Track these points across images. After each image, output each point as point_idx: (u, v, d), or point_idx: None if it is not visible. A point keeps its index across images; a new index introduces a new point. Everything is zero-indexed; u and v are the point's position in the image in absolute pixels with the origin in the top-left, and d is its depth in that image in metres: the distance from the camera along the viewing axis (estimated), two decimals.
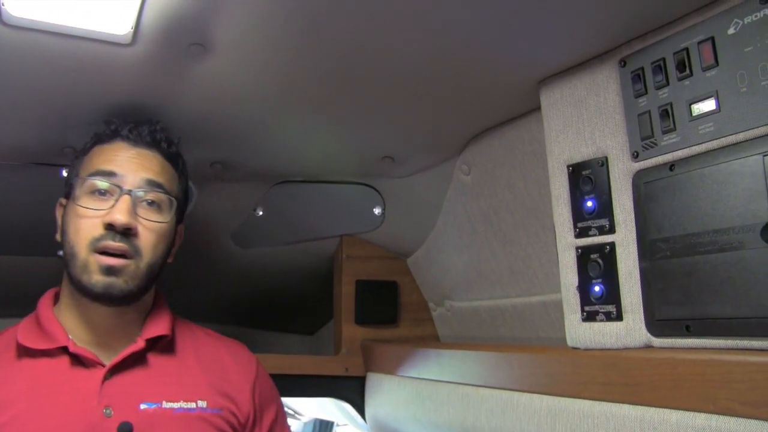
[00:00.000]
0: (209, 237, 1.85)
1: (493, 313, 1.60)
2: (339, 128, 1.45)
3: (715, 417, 0.85)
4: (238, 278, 2.08)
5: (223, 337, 1.48)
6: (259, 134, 1.47)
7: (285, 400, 1.53)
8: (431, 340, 1.94)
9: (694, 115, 0.92)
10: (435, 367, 1.52)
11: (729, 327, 0.87)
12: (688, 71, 0.93)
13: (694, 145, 0.93)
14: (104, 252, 1.21)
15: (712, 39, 0.89)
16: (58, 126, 1.38)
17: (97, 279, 1.21)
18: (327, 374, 1.90)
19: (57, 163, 1.54)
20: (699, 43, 0.91)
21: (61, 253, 1.78)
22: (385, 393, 1.75)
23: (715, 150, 0.90)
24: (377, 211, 1.83)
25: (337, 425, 3.81)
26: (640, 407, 0.96)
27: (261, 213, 1.81)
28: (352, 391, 1.91)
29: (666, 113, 0.96)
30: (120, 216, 1.20)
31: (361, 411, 1.91)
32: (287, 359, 1.84)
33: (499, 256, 1.51)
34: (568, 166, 1.13)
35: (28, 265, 1.82)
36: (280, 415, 1.47)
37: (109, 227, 1.21)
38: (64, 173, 1.54)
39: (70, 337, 1.26)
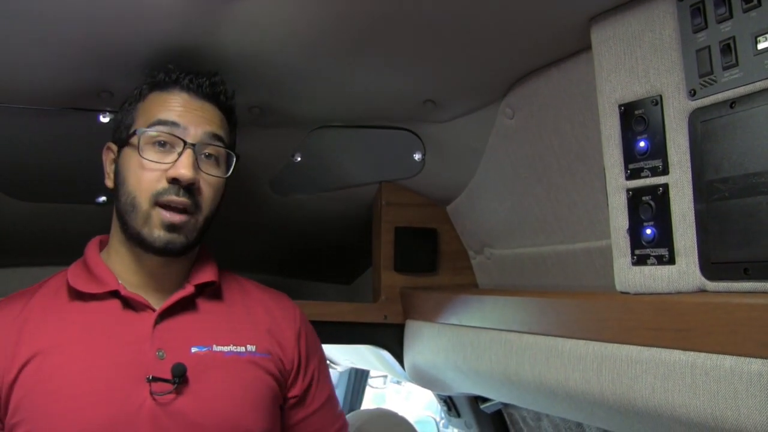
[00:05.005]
0: (246, 184, 1.83)
1: (535, 261, 1.57)
2: (379, 71, 1.41)
3: None
4: (275, 226, 2.08)
5: (267, 287, 1.49)
6: (298, 77, 1.44)
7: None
8: (471, 288, 1.92)
9: (759, 48, 0.87)
10: (477, 313, 1.51)
11: None
12: (756, 1, 0.87)
13: (759, 80, 0.88)
14: (167, 206, 1.21)
15: None
16: (93, 68, 1.35)
17: (158, 234, 1.22)
18: (366, 321, 1.90)
19: (93, 107, 1.52)
20: None
21: (101, 200, 1.80)
22: (425, 340, 1.75)
23: None
24: (417, 156, 1.79)
25: (371, 376, 3.86)
26: (691, 353, 0.93)
27: (299, 159, 1.79)
28: (391, 339, 1.91)
29: (728, 48, 0.91)
30: (185, 171, 1.20)
31: (399, 359, 1.92)
32: (326, 306, 1.84)
33: (543, 203, 1.48)
34: (619, 106, 1.09)
35: (65, 212, 1.84)
36: (323, 365, 1.48)
37: (174, 181, 1.21)
38: (101, 119, 1.52)
39: (120, 281, 1.27)
